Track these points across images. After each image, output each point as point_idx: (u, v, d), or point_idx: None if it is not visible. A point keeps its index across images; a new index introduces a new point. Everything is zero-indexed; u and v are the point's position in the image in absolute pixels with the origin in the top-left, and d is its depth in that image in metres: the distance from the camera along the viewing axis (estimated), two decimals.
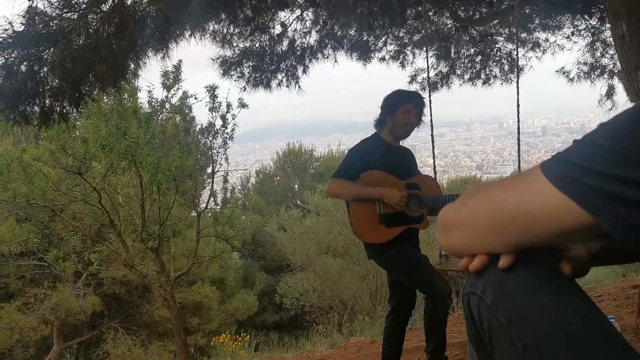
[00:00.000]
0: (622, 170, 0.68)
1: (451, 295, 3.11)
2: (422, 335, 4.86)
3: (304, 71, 6.28)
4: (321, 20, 5.98)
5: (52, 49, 3.38)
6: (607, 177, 0.69)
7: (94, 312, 12.71)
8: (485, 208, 0.83)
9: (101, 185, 7.62)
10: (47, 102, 3.77)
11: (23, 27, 3.22)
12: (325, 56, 6.33)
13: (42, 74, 3.58)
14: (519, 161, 4.22)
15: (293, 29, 5.91)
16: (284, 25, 5.79)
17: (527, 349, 0.78)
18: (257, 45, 5.89)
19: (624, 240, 0.70)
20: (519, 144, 4.13)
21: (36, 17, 3.23)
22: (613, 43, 3.95)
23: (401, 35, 6.80)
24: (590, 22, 6.46)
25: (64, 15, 3.32)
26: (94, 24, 3.40)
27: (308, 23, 5.96)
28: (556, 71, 7.45)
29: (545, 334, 0.77)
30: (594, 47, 7.05)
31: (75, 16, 3.33)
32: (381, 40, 6.79)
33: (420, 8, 5.49)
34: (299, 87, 6.29)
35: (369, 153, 3.13)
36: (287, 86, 6.29)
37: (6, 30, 3.17)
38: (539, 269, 0.83)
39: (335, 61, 6.41)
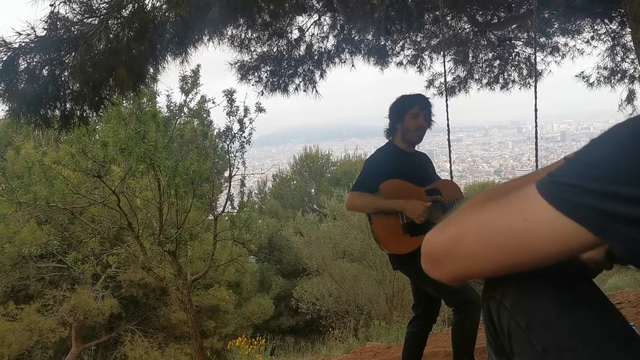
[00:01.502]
0: (631, 189, 0.64)
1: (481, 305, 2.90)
2: (438, 341, 4.83)
3: (321, 75, 6.31)
4: (338, 25, 5.99)
5: (73, 54, 3.43)
6: (613, 197, 0.65)
7: (112, 314, 12.81)
8: (483, 245, 0.76)
9: (120, 189, 7.70)
10: (67, 105, 3.83)
11: (45, 32, 3.28)
12: (343, 61, 6.35)
13: (63, 78, 3.63)
14: (537, 166, 4.17)
15: (310, 34, 5.94)
16: (301, 30, 5.81)
17: (547, 352, 0.78)
18: (274, 50, 5.92)
19: (636, 261, 0.69)
20: (536, 149, 4.08)
21: (58, 22, 3.29)
22: (634, 47, 3.90)
23: (419, 39, 6.79)
24: (611, 26, 6.39)
25: (85, 20, 3.37)
26: (114, 29, 3.45)
27: (325, 28, 5.99)
28: (576, 76, 7.37)
29: (565, 337, 0.77)
30: (614, 51, 6.97)
31: (96, 21, 3.38)
32: (398, 45, 6.78)
33: (438, 12, 5.48)
34: (316, 91, 6.32)
35: (385, 162, 3.05)
36: (304, 90, 6.32)
37: (29, 35, 3.23)
38: (559, 273, 0.83)
39: (353, 66, 6.43)
